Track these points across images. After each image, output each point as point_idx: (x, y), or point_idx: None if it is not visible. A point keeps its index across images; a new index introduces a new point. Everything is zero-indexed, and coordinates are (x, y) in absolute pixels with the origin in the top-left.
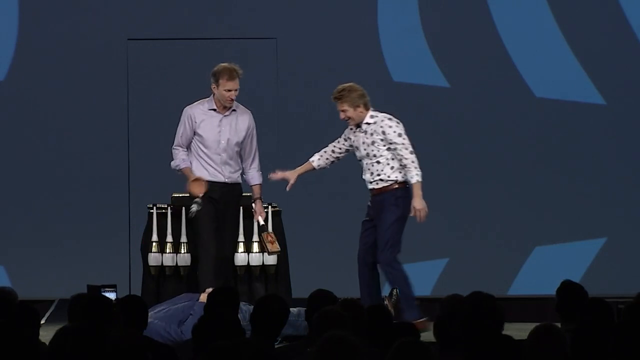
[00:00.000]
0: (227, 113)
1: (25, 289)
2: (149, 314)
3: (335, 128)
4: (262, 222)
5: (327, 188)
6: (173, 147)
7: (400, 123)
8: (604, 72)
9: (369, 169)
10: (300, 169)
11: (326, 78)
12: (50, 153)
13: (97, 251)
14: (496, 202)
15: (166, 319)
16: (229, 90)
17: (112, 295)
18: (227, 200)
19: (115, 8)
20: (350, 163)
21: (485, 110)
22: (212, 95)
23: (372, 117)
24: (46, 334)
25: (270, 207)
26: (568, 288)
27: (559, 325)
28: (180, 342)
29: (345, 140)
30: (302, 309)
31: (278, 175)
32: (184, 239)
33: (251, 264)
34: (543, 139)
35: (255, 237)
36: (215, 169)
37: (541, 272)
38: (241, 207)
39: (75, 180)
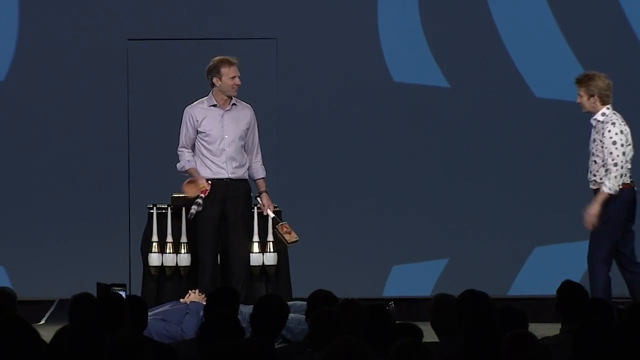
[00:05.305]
0: (228, 108)
1: (25, 289)
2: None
3: (335, 128)
4: (272, 215)
5: (327, 187)
6: (178, 149)
7: (624, 131)
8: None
9: (589, 167)
10: None
11: (326, 78)
12: (50, 153)
13: (97, 251)
14: (496, 202)
15: (166, 317)
16: (233, 77)
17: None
18: (233, 198)
19: (115, 8)
20: (351, 161)
21: (485, 110)
22: (210, 92)
23: (603, 114)
24: (46, 334)
25: None
26: (568, 288)
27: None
28: (180, 341)
29: None
30: (303, 317)
31: None
32: (184, 239)
33: (251, 263)
34: (543, 139)
35: (256, 237)
36: (219, 166)
37: (541, 272)
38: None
39: (75, 180)
